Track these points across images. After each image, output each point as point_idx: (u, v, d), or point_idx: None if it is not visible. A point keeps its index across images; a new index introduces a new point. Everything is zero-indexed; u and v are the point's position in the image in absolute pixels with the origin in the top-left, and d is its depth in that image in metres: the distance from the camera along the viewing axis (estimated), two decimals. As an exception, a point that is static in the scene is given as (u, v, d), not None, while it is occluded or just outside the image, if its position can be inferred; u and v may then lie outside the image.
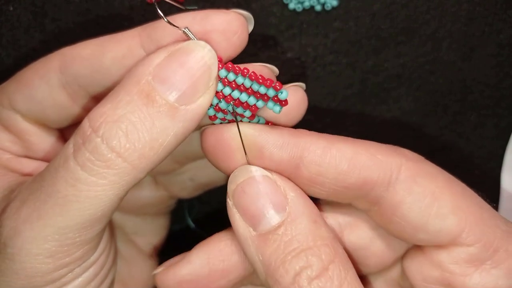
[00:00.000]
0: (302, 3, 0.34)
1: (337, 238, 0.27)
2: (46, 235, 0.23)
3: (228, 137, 0.25)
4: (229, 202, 0.26)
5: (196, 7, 0.28)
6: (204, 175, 0.35)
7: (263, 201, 0.25)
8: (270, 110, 0.26)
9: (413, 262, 0.27)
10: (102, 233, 0.26)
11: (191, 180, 0.35)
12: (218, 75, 0.25)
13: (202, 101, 0.24)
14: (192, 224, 0.41)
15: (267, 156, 0.25)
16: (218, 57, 0.25)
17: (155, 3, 0.24)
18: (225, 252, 0.28)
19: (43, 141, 0.29)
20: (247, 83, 0.25)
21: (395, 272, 0.30)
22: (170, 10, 0.27)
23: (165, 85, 0.23)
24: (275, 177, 0.25)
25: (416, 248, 0.27)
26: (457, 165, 0.39)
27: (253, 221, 0.25)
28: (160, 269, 0.29)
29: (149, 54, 0.25)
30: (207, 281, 0.28)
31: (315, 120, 0.38)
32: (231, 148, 0.25)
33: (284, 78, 0.36)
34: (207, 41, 0.25)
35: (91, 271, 0.26)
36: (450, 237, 0.25)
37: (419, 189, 0.25)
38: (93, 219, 0.23)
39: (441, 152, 0.39)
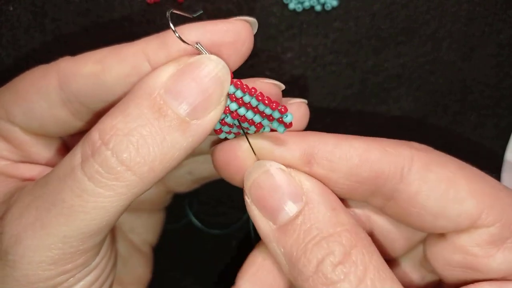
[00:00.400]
0: (302, 3, 0.34)
1: (361, 223, 0.28)
2: (50, 243, 0.23)
3: (239, 150, 0.26)
4: (247, 200, 0.26)
5: (202, 11, 0.28)
6: (202, 169, 0.35)
7: (279, 193, 0.25)
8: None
9: (434, 248, 0.27)
10: (105, 240, 0.26)
11: (190, 174, 0.35)
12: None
13: (213, 116, 0.24)
14: (195, 220, 0.41)
15: (279, 158, 0.25)
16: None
17: (168, 18, 0.24)
18: (265, 266, 0.29)
19: (43, 150, 0.29)
20: (254, 102, 0.25)
21: (419, 252, 0.30)
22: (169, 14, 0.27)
23: (177, 99, 0.23)
24: (289, 169, 0.25)
25: (437, 238, 0.27)
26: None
27: (272, 214, 0.25)
28: None
29: (158, 66, 0.24)
30: None
31: (315, 120, 0.38)
32: (242, 160, 0.26)
33: (284, 78, 0.36)
34: (218, 55, 0.24)
35: (92, 275, 0.26)
36: (470, 220, 0.25)
37: (434, 176, 0.25)
38: (97, 229, 0.23)
39: (441, 152, 0.39)
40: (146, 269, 0.36)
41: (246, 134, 0.26)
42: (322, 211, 0.24)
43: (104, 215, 0.23)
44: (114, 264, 0.29)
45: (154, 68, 0.25)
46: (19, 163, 0.29)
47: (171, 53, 0.25)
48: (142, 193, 0.24)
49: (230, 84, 0.24)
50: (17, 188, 0.26)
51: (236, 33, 0.25)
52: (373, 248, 0.24)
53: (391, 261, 0.31)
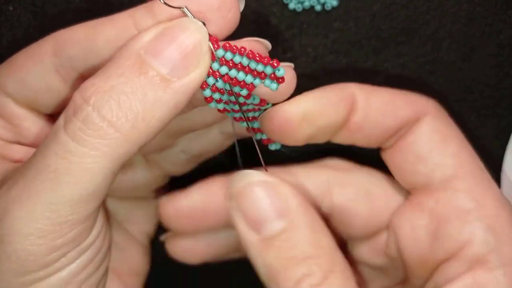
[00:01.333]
0: (302, 3, 0.34)
1: (322, 201, 0.30)
2: (37, 213, 0.22)
3: (289, 115, 0.28)
4: (230, 204, 0.26)
5: None
6: (196, 146, 0.35)
7: (264, 207, 0.25)
8: (263, 89, 0.26)
9: (401, 216, 0.30)
10: (97, 214, 0.25)
11: (184, 153, 0.35)
12: (216, 55, 0.25)
13: (194, 76, 0.24)
14: None
15: (325, 118, 0.28)
16: (214, 37, 0.25)
17: None
18: (220, 193, 0.31)
19: (35, 126, 0.29)
20: (245, 61, 0.25)
21: (381, 240, 0.31)
22: None
23: (157, 59, 0.24)
24: (277, 182, 0.26)
25: (403, 205, 0.30)
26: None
27: (255, 226, 0.25)
28: (164, 199, 0.33)
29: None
30: (201, 215, 0.32)
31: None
32: (294, 123, 0.28)
33: (284, 78, 0.36)
34: (204, 19, 0.25)
35: (86, 255, 0.25)
36: (443, 176, 0.28)
37: (433, 125, 0.28)
38: (86, 195, 0.23)
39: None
40: (143, 260, 0.36)
41: (240, 107, 0.27)
42: (305, 232, 0.25)
43: (91, 177, 0.23)
44: (109, 248, 0.28)
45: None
46: (13, 144, 0.29)
47: (158, 19, 0.25)
48: (129, 156, 0.24)
49: (219, 48, 0.25)
50: (9, 170, 0.26)
51: (221, 0, 0.25)
52: (349, 273, 0.25)
53: (349, 254, 0.33)
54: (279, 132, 0.28)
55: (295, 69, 0.37)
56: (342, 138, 0.30)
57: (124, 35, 0.26)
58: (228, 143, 0.35)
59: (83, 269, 0.25)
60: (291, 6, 0.34)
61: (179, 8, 0.25)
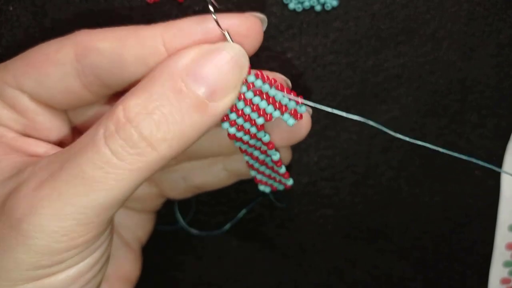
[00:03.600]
0: (302, 3, 0.34)
1: None
2: (66, 213, 0.24)
3: None
4: None
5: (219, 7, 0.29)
6: (197, 176, 0.35)
7: None
8: (275, 127, 0.28)
9: None
10: (112, 219, 0.27)
11: (184, 180, 0.35)
12: (246, 79, 0.26)
13: (229, 99, 0.25)
14: (181, 220, 0.40)
15: None
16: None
17: (209, 1, 0.25)
18: None
19: (48, 120, 0.30)
20: (272, 92, 0.26)
21: None
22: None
23: (197, 81, 0.24)
24: None
25: None
26: (457, 165, 0.39)
27: None
28: None
29: (173, 51, 0.26)
30: None
31: (315, 120, 0.38)
32: None
33: (284, 78, 0.36)
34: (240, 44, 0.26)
35: (95, 255, 0.26)
36: None
37: None
38: (114, 201, 0.24)
39: (441, 152, 0.39)
40: (134, 266, 0.36)
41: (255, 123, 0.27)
42: None
43: (122, 187, 0.24)
44: (110, 252, 0.29)
45: (169, 53, 0.26)
46: (26, 137, 0.29)
47: (187, 41, 0.26)
48: (157, 171, 0.25)
49: (250, 74, 0.26)
50: (25, 164, 0.27)
51: (249, 27, 0.26)
52: None
53: None
54: None
55: (295, 68, 0.37)
56: None
57: (153, 55, 0.26)
58: (230, 182, 0.36)
59: (90, 269, 0.26)
60: (291, 6, 0.34)
61: (223, 31, 0.25)
